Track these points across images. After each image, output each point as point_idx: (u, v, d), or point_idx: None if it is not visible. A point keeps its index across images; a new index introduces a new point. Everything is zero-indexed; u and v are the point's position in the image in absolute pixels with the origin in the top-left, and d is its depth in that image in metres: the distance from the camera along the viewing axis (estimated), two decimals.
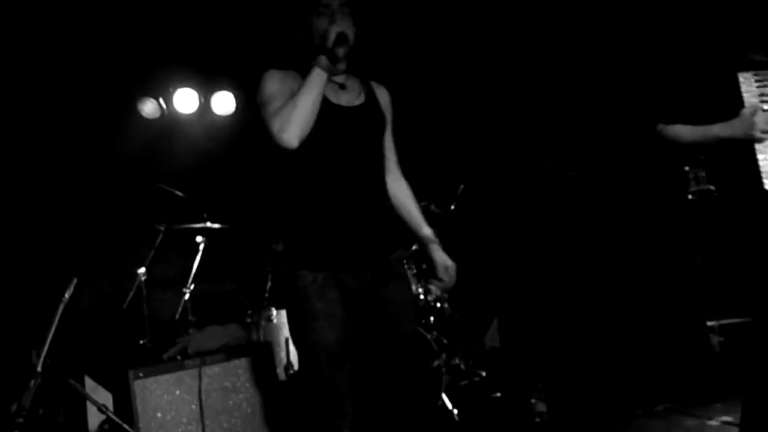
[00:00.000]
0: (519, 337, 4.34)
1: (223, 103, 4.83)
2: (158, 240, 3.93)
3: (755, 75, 2.16)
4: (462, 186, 4.08)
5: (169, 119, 4.71)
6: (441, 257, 2.12)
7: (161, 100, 4.65)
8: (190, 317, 3.90)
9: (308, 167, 1.95)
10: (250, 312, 3.87)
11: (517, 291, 4.56)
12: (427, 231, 2.16)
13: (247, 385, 3.12)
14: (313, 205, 1.96)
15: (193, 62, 4.71)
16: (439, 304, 3.86)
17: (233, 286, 4.60)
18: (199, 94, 4.77)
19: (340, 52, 1.98)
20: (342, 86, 2.07)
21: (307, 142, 1.89)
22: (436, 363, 3.43)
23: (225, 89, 4.84)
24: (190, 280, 4.01)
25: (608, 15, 3.81)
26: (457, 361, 3.69)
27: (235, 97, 4.90)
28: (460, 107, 5.02)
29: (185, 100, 4.68)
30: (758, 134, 2.05)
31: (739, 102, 2.12)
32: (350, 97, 2.07)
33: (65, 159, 4.40)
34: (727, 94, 2.16)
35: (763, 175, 2.07)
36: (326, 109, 1.94)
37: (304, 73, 1.96)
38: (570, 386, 3.84)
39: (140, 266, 3.88)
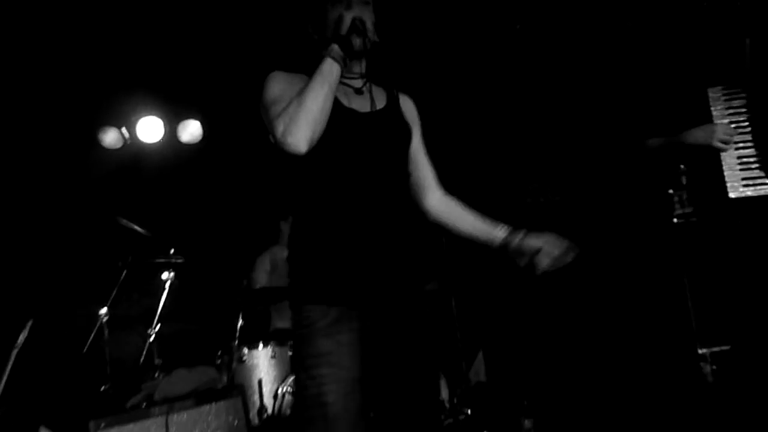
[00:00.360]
0: (507, 371, 4.19)
1: (190, 131, 4.66)
2: (121, 277, 3.70)
3: (723, 90, 2.44)
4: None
5: (134, 149, 4.51)
6: (538, 240, 1.75)
7: (124, 130, 4.46)
8: (156, 360, 3.68)
9: (318, 181, 1.68)
10: (220, 353, 3.68)
11: (503, 321, 4.44)
12: (502, 231, 1.81)
13: None
14: (325, 226, 1.67)
15: (159, 89, 4.56)
16: None
17: (202, 325, 4.37)
18: (164, 122, 4.60)
19: (357, 42, 1.72)
20: (358, 91, 1.82)
21: (315, 151, 1.61)
22: None
23: (192, 117, 4.68)
24: (156, 320, 3.79)
25: (586, 39, 3.87)
26: (441, 397, 3.51)
27: (202, 125, 4.74)
28: (438, 133, 4.92)
29: (150, 129, 4.50)
30: (716, 142, 2.31)
31: (708, 115, 2.39)
32: (365, 103, 1.80)
33: (21, 192, 4.16)
34: (697, 109, 2.44)
35: (728, 186, 2.36)
36: (336, 112, 1.67)
37: (310, 75, 1.71)
38: (559, 419, 3.72)
39: (102, 306, 3.64)
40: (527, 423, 3.47)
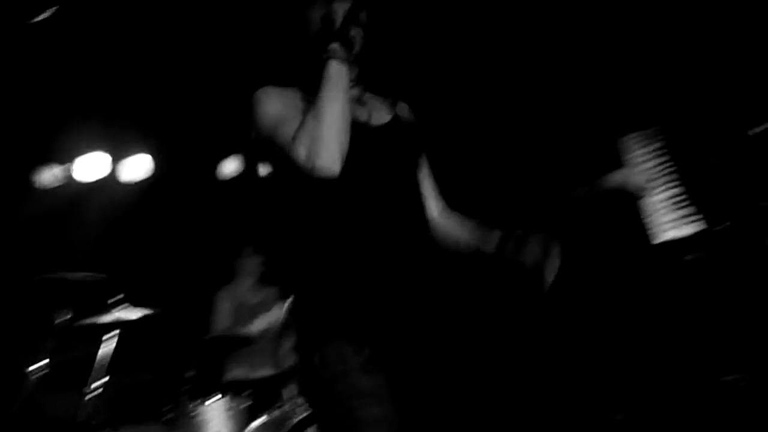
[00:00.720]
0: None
1: (138, 167, 4.40)
2: (60, 326, 3.38)
3: (637, 138, 2.60)
4: None
5: (73, 188, 4.21)
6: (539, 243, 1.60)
7: (64, 168, 4.17)
8: (94, 420, 3.32)
9: (342, 209, 1.48)
10: (168, 408, 3.36)
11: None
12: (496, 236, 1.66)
13: None
14: (355, 259, 1.47)
15: (102, 124, 4.29)
16: None
17: (149, 376, 4.04)
18: (111, 158, 4.33)
19: (356, 34, 1.52)
20: (359, 101, 1.64)
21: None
22: None
23: (139, 152, 4.42)
24: (103, 372, 3.46)
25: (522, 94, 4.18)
26: None
27: (152, 159, 4.49)
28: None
29: (92, 166, 4.21)
30: (633, 186, 2.34)
31: (623, 161, 2.55)
32: (372, 114, 1.62)
33: None
34: (614, 155, 2.57)
35: (655, 228, 2.50)
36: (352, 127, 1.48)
37: (304, 88, 1.55)
38: None
39: (36, 359, 3.30)
40: None
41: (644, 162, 2.55)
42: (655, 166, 2.57)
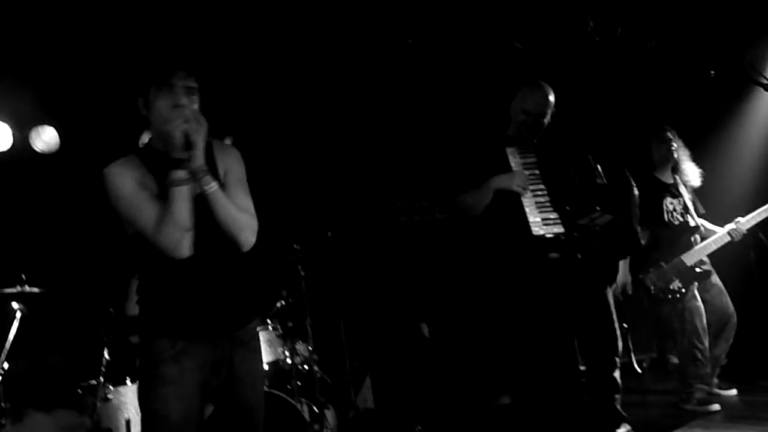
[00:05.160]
0: (396, 396, 4.19)
1: (45, 139, 4.17)
2: None
3: (518, 149, 3.12)
4: (329, 233, 3.90)
5: None
6: None
7: None
8: (3, 404, 3.21)
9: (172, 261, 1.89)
10: (81, 392, 3.30)
11: (390, 344, 4.44)
12: None
13: None
14: (168, 282, 1.94)
15: (6, 91, 4.01)
16: (306, 367, 3.56)
17: (58, 359, 3.90)
18: (13, 129, 4.07)
19: (190, 156, 1.84)
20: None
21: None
22: None
23: (46, 123, 4.19)
24: (3, 357, 3.32)
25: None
26: (328, 427, 3.41)
27: (58, 132, 4.26)
28: (328, 154, 4.95)
29: None
30: (515, 187, 2.96)
31: (509, 168, 3.06)
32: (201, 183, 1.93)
33: None
34: (500, 164, 3.06)
35: (531, 225, 2.95)
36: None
37: (144, 158, 1.92)
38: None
39: None
40: None
41: (523, 169, 3.05)
42: (530, 175, 3.05)
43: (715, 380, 3.91)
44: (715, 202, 4.18)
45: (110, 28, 3.84)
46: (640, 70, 4.63)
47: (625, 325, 3.80)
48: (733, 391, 3.91)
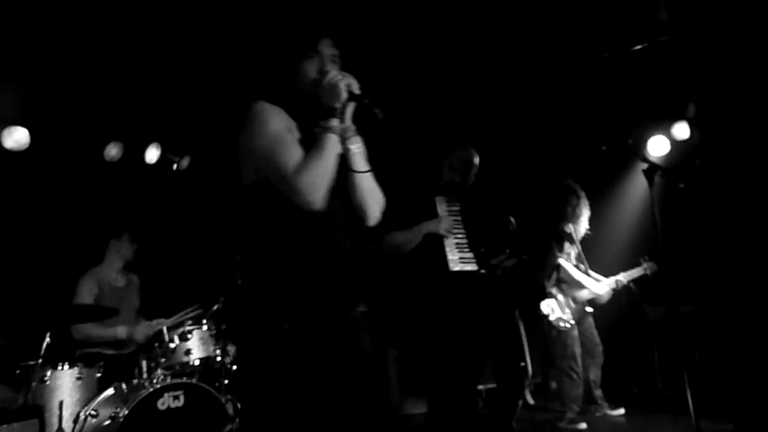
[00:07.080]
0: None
1: (15, 138, 4.41)
2: None
3: (446, 198, 3.54)
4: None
5: None
6: None
7: None
8: None
9: (298, 224, 1.80)
10: (19, 371, 3.45)
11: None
12: None
13: None
14: (302, 259, 1.80)
15: None
16: (235, 366, 3.82)
17: (4, 341, 4.04)
18: None
19: (345, 108, 1.81)
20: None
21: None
22: (228, 427, 3.38)
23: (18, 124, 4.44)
24: None
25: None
26: None
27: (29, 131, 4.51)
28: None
29: None
30: (442, 231, 3.36)
31: (436, 214, 3.46)
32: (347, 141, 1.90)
33: None
34: (429, 209, 3.45)
35: (449, 262, 3.34)
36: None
37: (290, 111, 1.83)
38: None
39: None
40: None
41: (447, 215, 3.46)
42: (454, 220, 3.46)
43: (605, 403, 4.61)
44: (596, 256, 4.85)
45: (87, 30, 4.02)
46: (544, 134, 5.33)
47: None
48: (621, 410, 4.60)
